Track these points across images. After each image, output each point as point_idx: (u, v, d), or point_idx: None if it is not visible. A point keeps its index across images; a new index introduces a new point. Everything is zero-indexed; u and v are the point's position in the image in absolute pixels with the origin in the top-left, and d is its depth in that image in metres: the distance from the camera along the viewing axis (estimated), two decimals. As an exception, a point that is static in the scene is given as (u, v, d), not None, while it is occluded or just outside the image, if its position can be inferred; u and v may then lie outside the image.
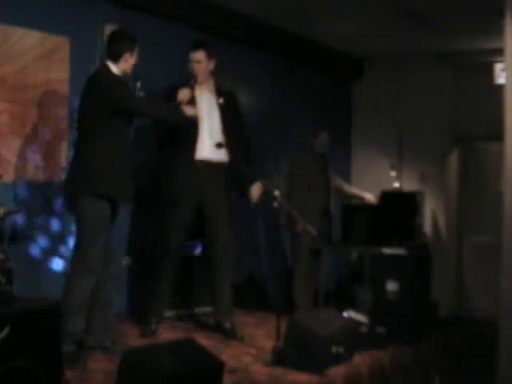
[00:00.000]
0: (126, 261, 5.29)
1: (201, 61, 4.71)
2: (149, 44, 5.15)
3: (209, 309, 5.17)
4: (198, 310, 5.45)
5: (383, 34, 6.80)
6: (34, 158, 4.61)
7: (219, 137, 4.76)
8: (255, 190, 4.89)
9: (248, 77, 6.64)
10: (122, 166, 4.07)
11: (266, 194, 4.83)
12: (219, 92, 4.85)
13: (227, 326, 4.87)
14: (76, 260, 4.06)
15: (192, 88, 4.62)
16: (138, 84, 4.15)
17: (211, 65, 4.77)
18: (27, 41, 4.53)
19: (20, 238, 4.43)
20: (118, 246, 4.41)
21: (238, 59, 6.47)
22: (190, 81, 4.69)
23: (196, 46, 4.73)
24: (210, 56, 4.74)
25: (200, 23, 5.83)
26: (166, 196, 4.76)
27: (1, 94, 4.39)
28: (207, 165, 4.74)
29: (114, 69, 4.11)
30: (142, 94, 4.15)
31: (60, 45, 4.75)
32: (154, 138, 4.88)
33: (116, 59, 4.11)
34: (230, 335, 4.82)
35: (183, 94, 4.53)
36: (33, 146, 4.59)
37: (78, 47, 4.83)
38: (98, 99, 3.99)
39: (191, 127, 4.64)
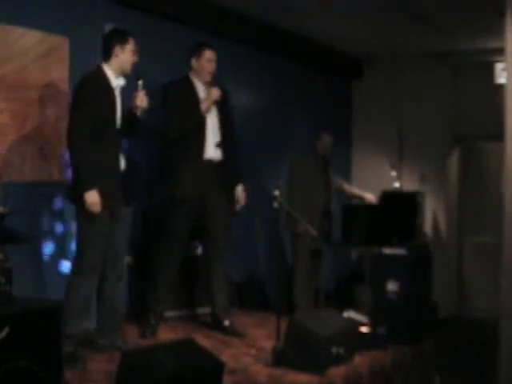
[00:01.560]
0: (126, 260, 5.28)
1: (216, 60, 4.79)
2: (148, 43, 5.17)
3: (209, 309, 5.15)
4: (201, 310, 5.42)
5: (383, 33, 6.80)
6: (34, 158, 4.60)
7: (217, 136, 4.77)
8: (241, 193, 4.89)
9: (248, 77, 6.63)
10: (107, 173, 4.00)
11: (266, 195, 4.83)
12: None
13: (227, 323, 4.87)
14: (75, 262, 4.07)
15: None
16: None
17: None
18: (27, 40, 4.52)
19: (19, 238, 4.42)
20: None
21: (238, 59, 6.47)
22: (186, 76, 4.77)
23: (210, 46, 4.79)
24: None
25: (200, 23, 5.83)
26: (172, 194, 4.73)
27: (0, 93, 4.38)
28: (211, 164, 4.75)
29: (107, 68, 4.07)
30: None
31: (59, 44, 4.74)
32: (165, 137, 4.83)
33: (107, 57, 4.07)
34: (230, 333, 4.82)
35: (144, 102, 4.20)
36: (32, 146, 4.58)
37: (78, 46, 4.82)
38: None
39: (198, 126, 4.68)
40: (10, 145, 4.44)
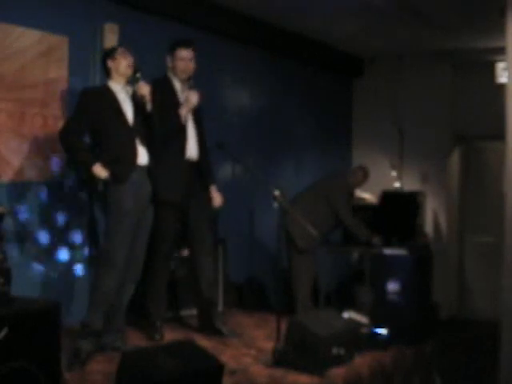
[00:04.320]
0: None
1: (192, 59, 4.67)
2: (147, 42, 5.15)
3: (194, 311, 5.07)
4: (184, 312, 5.32)
5: (384, 32, 6.79)
6: (33, 158, 4.58)
7: (195, 136, 4.69)
8: (216, 193, 4.82)
9: (248, 75, 6.62)
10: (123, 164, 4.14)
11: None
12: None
13: (218, 325, 4.81)
14: (102, 256, 4.15)
15: (189, 87, 4.61)
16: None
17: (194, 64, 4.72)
18: (26, 39, 4.51)
19: (19, 238, 4.42)
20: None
21: (238, 58, 6.46)
22: (166, 76, 4.68)
23: (189, 44, 4.68)
24: (194, 55, 4.71)
25: (199, 22, 5.82)
26: (158, 195, 4.57)
27: (-1, 92, 4.38)
28: (191, 164, 4.67)
29: (111, 83, 4.24)
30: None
31: (59, 43, 4.72)
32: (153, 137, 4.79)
33: (107, 74, 4.27)
34: (225, 334, 4.77)
35: (145, 90, 4.27)
36: (31, 146, 4.56)
37: (77, 46, 4.82)
38: None
39: (181, 126, 4.60)
40: (9, 145, 4.43)
